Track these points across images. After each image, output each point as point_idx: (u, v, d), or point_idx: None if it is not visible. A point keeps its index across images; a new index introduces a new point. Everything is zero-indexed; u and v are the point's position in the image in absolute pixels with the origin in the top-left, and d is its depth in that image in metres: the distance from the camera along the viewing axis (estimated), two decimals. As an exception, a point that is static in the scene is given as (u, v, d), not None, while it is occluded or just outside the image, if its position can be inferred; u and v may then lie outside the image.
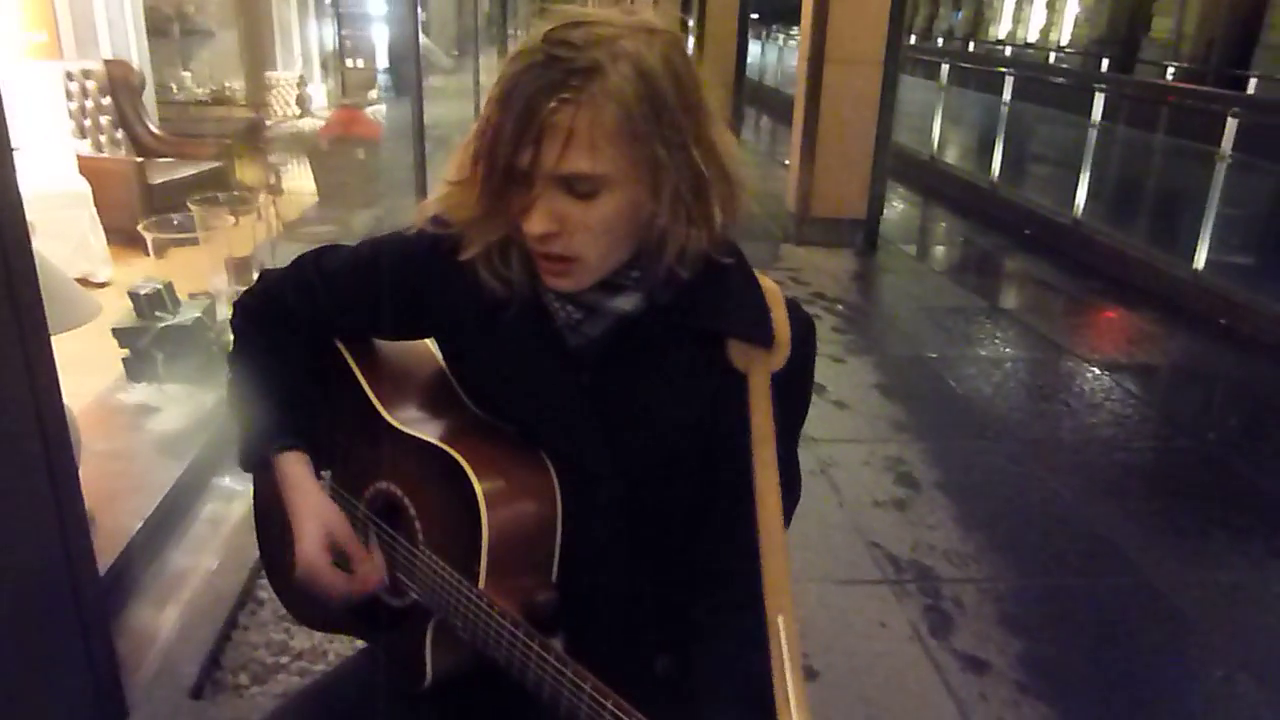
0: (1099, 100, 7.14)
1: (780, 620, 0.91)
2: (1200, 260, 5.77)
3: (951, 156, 10.00)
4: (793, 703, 0.86)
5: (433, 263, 1.06)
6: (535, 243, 0.94)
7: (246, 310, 1.21)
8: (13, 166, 1.47)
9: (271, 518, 1.24)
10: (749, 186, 1.00)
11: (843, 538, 3.05)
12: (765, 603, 0.92)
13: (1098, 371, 4.77)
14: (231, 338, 1.22)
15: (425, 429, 1.09)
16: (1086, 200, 7.10)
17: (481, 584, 0.97)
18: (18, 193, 1.47)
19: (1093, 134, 7.15)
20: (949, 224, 8.58)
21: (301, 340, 1.19)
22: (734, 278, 1.04)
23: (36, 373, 1.52)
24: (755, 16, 13.45)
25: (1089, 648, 2.61)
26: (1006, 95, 8.52)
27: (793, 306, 1.05)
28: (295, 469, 1.13)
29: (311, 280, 1.16)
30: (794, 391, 1.05)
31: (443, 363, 1.18)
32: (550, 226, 0.91)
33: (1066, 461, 3.77)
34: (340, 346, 1.21)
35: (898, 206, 8.59)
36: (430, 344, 1.21)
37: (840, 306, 5.55)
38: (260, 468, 1.17)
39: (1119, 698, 2.42)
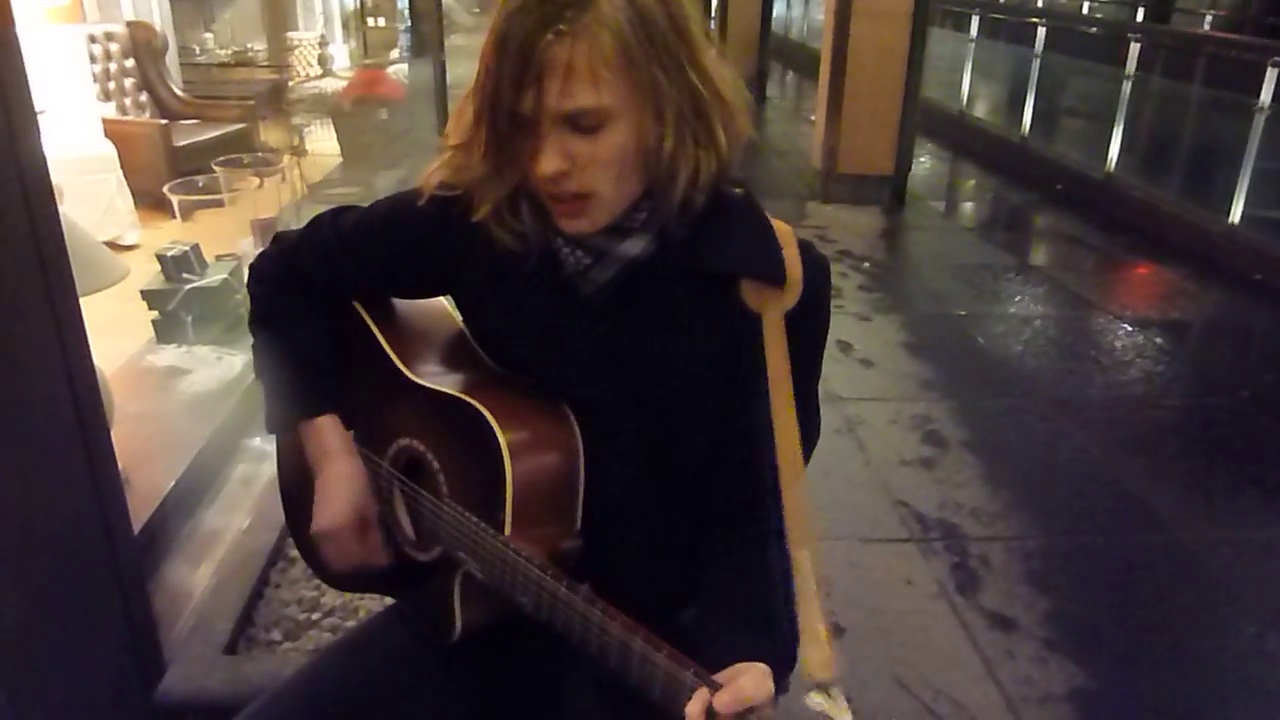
0: (1134, 51, 6.97)
1: (804, 554, 0.92)
2: (1236, 214, 5.65)
3: (981, 111, 9.83)
4: (822, 634, 0.88)
5: (446, 222, 1.07)
6: (548, 184, 0.94)
7: (263, 274, 1.22)
8: (38, 130, 1.47)
9: (297, 480, 1.25)
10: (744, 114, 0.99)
11: (869, 496, 3.05)
12: (788, 537, 0.94)
13: (1129, 328, 4.71)
14: (251, 302, 1.23)
15: (446, 383, 1.10)
16: (1120, 154, 6.96)
17: (507, 532, 0.99)
18: (43, 156, 1.48)
19: (1127, 86, 6.98)
20: (978, 180, 8.45)
21: (319, 302, 1.20)
22: (743, 218, 1.04)
23: (66, 335, 1.54)
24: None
25: (1117, 606, 2.60)
26: (1038, 47, 8.34)
27: (805, 246, 1.05)
28: (325, 433, 1.15)
29: (328, 241, 1.17)
30: (808, 330, 1.05)
31: (459, 319, 1.19)
32: (561, 165, 0.92)
33: (1096, 419, 3.73)
34: (358, 306, 1.22)
35: (926, 162, 8.46)
36: (447, 301, 1.21)
37: (867, 264, 5.50)
38: (287, 432, 1.18)
39: (1147, 655, 2.41)
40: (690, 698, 0.81)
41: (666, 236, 1.01)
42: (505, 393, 1.07)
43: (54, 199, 1.52)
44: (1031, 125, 8.21)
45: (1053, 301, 5.19)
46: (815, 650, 0.87)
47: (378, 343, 1.18)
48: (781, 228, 1.05)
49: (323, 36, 9.38)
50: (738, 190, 1.03)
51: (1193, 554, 2.82)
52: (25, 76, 1.44)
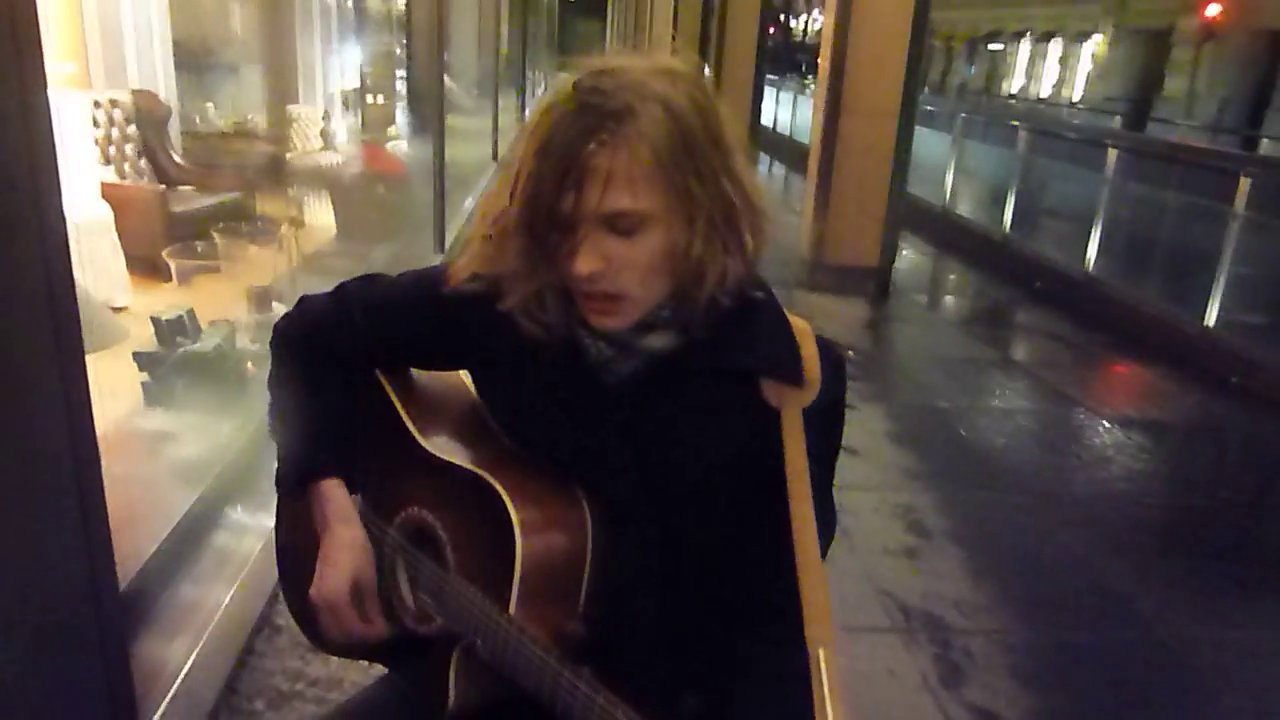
0: (1112, 156, 7.20)
1: (821, 653, 0.93)
2: (1211, 317, 5.79)
3: (964, 208, 10.07)
4: None
5: (471, 309, 1.08)
6: (582, 283, 0.96)
7: (286, 338, 1.24)
8: (59, 193, 1.50)
9: (296, 543, 1.25)
10: (770, 219, 1.03)
11: (852, 584, 3.05)
12: (805, 635, 0.94)
13: (1109, 425, 4.77)
14: (272, 361, 1.25)
15: (461, 457, 1.11)
16: (1098, 255, 7.13)
17: (512, 610, 0.99)
18: (63, 218, 1.50)
19: (1105, 190, 7.19)
20: (961, 275, 8.63)
21: (340, 368, 1.21)
22: (764, 316, 1.06)
23: (72, 396, 1.54)
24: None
25: (1100, 702, 2.59)
26: (1020, 149, 8.60)
27: (823, 344, 1.07)
28: (336, 496, 1.15)
29: (353, 312, 1.19)
30: (825, 427, 1.06)
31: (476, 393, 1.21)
32: (598, 265, 0.94)
33: (1077, 515, 3.76)
34: (378, 373, 1.24)
35: (910, 256, 8.63)
36: (465, 375, 1.23)
37: (852, 354, 5.57)
38: (297, 491, 1.19)
39: (1130, 754, 2.40)
40: None
41: (689, 334, 1.03)
42: (519, 471, 1.07)
43: (69, 258, 1.54)
44: (1013, 224, 8.42)
45: (1034, 397, 5.26)
46: None
47: (396, 411, 1.20)
48: (800, 326, 1.07)
49: (326, 111, 9.52)
50: (759, 293, 1.06)
51: (1174, 652, 2.83)
52: (53, 142, 1.47)
